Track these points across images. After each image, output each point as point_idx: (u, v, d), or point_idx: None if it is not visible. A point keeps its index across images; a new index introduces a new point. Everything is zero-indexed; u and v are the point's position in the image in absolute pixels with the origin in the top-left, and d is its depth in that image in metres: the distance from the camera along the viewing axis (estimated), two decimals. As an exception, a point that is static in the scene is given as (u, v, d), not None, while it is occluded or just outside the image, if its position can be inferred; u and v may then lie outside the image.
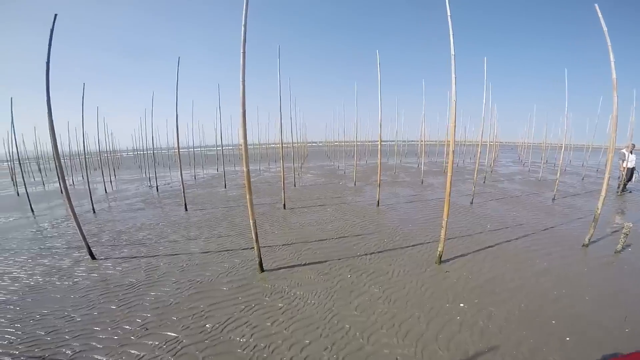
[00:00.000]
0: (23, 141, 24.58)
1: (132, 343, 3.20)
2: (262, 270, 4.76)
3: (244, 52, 4.06)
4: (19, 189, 14.38)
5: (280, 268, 4.88)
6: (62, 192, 13.22)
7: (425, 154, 12.97)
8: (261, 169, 19.46)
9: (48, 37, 4.66)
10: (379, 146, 8.62)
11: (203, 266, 5.04)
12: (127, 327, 3.47)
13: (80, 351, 3.10)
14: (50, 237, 6.97)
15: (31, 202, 10.16)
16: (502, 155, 31.17)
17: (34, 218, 8.91)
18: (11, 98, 10.61)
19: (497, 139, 22.18)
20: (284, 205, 8.79)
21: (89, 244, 5.54)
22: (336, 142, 28.93)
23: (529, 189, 11.50)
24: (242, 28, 4.04)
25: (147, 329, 3.42)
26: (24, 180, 11.17)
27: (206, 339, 3.24)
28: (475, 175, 9.46)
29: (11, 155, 15.91)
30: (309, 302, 3.90)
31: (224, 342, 3.19)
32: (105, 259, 5.48)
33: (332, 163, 23.60)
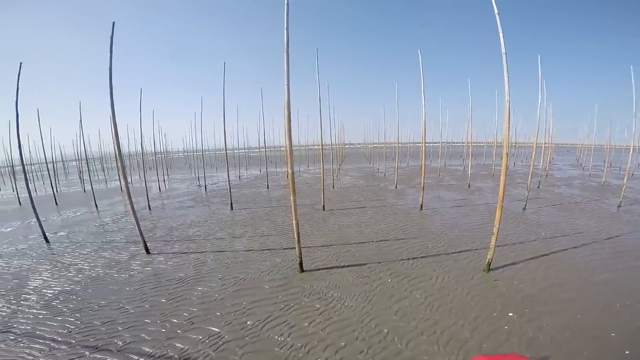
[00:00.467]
0: (89, 142, 27.25)
1: (178, 336, 3.38)
2: (302, 270, 4.82)
3: (287, 56, 4.15)
4: (85, 186, 15.97)
5: (319, 269, 4.91)
6: (121, 190, 14.46)
7: (472, 155, 12.32)
8: (300, 170, 19.77)
9: (109, 46, 5.09)
10: (422, 147, 8.37)
11: (246, 264, 5.21)
12: (174, 320, 3.67)
13: (130, 342, 3.30)
14: (111, 231, 7.65)
15: (96, 199, 11.23)
16: (557, 158, 28.70)
17: (98, 213, 9.84)
18: (79, 102, 11.80)
19: (553, 140, 20.47)
20: (324, 206, 8.84)
21: (145, 239, 5.97)
22: (375, 143, 28.55)
23: (590, 194, 10.47)
24: (285, 32, 4.13)
25: (192, 323, 3.60)
26: (90, 178, 12.39)
27: (246, 336, 3.33)
28: (530, 179, 8.80)
29: (79, 155, 17.71)
30: (346, 304, 3.88)
31: (262, 340, 3.26)
32: (158, 253, 5.88)
33: (371, 165, 23.30)
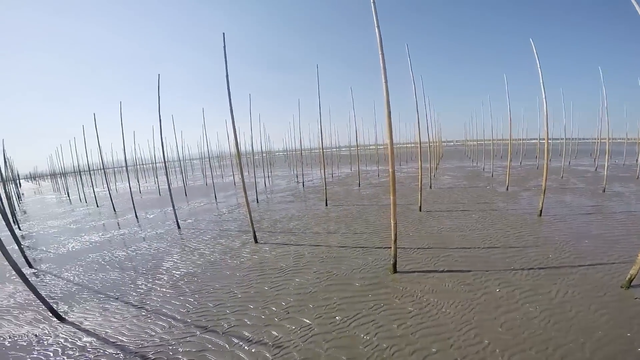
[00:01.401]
0: (209, 143, 31.86)
1: (274, 324, 3.59)
2: (395, 271, 4.68)
3: (382, 54, 4.07)
4: (207, 180, 18.73)
5: (414, 271, 4.69)
6: (234, 185, 16.50)
7: (609, 153, 10.02)
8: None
9: (223, 56, 5.82)
10: (546, 145, 7.21)
11: (339, 260, 5.31)
12: (273, 308, 3.94)
13: (234, 326, 3.64)
14: (227, 220, 8.78)
15: (215, 191, 13.06)
16: None
17: (216, 204, 11.42)
18: (202, 109, 13.81)
19: None
20: (420, 207, 8.41)
21: (255, 230, 6.64)
22: (480, 140, 25.79)
23: None
24: (376, 30, 4.05)
25: (288, 313, 3.80)
26: (211, 174, 14.48)
27: (334, 331, 3.36)
28: None
29: (202, 154, 20.83)
30: (443, 310, 3.61)
31: (348, 336, 3.25)
32: (264, 243, 6.48)
33: (475, 164, 21.16)
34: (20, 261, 6.17)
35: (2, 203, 7.74)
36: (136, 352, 3.24)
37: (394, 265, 4.68)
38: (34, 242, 8.48)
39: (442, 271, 4.65)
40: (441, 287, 4.18)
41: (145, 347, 3.33)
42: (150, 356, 3.16)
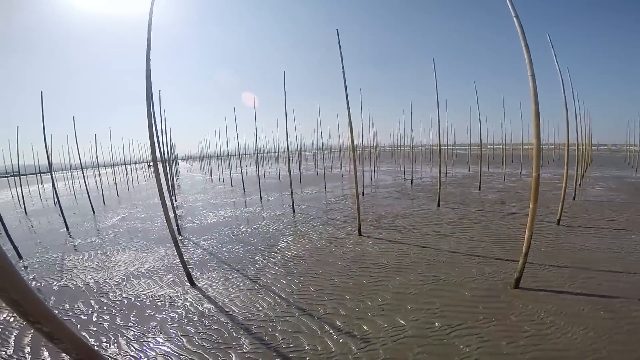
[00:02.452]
0: (321, 135, 33.59)
1: (367, 318, 3.56)
2: (516, 286, 4.07)
3: (526, 45, 3.57)
4: (318, 170, 19.90)
5: (540, 290, 4.00)
6: (342, 176, 17.09)
7: None
8: (522, 173, 16.56)
9: (339, 53, 5.97)
10: None
11: (450, 265, 4.92)
12: (369, 302, 3.90)
13: (329, 313, 3.74)
14: (334, 210, 9.16)
15: (325, 181, 13.77)
16: None
17: (325, 193, 12.04)
18: (318, 103, 14.58)
19: None
20: (559, 220, 7.02)
21: (360, 222, 6.74)
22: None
23: None
24: (515, 21, 3.48)
25: (383, 310, 3.71)
26: (324, 164, 15.30)
27: (430, 336, 3.16)
28: None
29: (314, 146, 22.12)
30: (568, 335, 3.03)
31: (445, 345, 3.02)
32: (367, 236, 6.52)
33: (643, 173, 16.41)
34: (173, 229, 7.77)
35: (167, 178, 9.88)
36: (242, 324, 3.62)
37: (518, 280, 4.08)
38: (184, 213, 10.57)
39: (579, 294, 3.84)
40: (573, 310, 3.49)
41: (250, 320, 3.70)
42: (253, 330, 3.49)
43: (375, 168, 21.16)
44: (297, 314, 3.75)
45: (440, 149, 9.34)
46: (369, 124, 21.04)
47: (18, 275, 0.69)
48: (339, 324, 3.50)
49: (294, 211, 9.24)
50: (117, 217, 10.65)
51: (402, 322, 3.47)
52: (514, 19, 3.71)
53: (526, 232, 3.95)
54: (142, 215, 10.73)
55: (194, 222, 9.07)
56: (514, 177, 15.02)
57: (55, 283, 5.17)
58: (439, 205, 9.02)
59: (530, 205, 3.86)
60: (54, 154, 10.80)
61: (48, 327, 0.73)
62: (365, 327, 3.40)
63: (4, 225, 6.69)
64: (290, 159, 10.35)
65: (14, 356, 3.27)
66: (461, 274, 4.58)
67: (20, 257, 6.61)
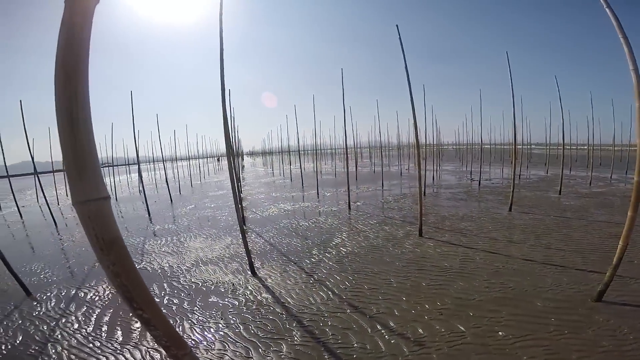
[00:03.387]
0: (380, 133, 32.99)
1: (423, 322, 3.39)
2: (598, 299, 3.58)
3: (624, 38, 3.06)
4: (375, 168, 19.58)
5: (626, 305, 3.50)
6: (401, 175, 16.59)
7: None
8: (612, 177, 14.27)
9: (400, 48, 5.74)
10: None
11: (521, 273, 4.48)
12: (426, 306, 3.72)
13: (381, 312, 3.64)
14: (392, 208, 8.93)
15: (383, 179, 13.50)
16: None
17: (382, 192, 11.79)
18: (377, 100, 14.27)
19: None
20: (662, 232, 5.94)
21: (422, 223, 6.46)
22: None
23: None
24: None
25: (441, 314, 3.52)
26: (381, 163, 15.00)
27: (490, 345, 2.94)
28: None
29: (370, 143, 21.77)
30: None
31: (506, 355, 2.80)
32: (429, 238, 6.22)
33: None
34: (241, 219, 8.29)
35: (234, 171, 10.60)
36: (295, 316, 3.70)
37: (601, 292, 3.59)
38: (247, 204, 11.22)
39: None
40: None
41: (303, 312, 3.76)
42: (305, 322, 3.54)
43: (438, 167, 20.13)
44: (348, 311, 3.73)
45: (515, 148, 8.52)
46: (432, 120, 20.06)
47: (132, 263, 0.76)
48: (391, 324, 3.42)
49: (349, 208, 9.22)
50: (191, 206, 11.72)
51: (462, 328, 3.28)
52: (606, 9, 3.25)
53: (620, 243, 3.44)
54: (212, 205, 11.66)
55: (257, 213, 9.57)
56: (602, 182, 13.04)
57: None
58: (510, 210, 8.24)
59: (629, 214, 3.34)
60: (140, 148, 12.26)
61: (148, 314, 0.78)
62: (420, 330, 3.28)
63: None
64: (347, 155, 10.32)
65: (92, 334, 3.66)
66: (534, 283, 4.16)
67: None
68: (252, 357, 3.03)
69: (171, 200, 13.18)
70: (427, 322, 3.41)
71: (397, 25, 6.17)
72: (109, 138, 16.02)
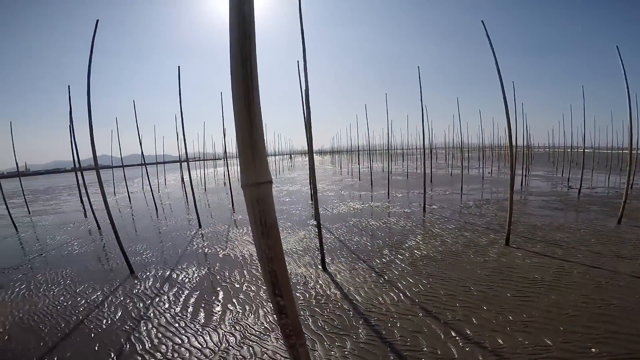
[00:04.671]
0: (460, 133, 30.82)
1: (504, 332, 3.13)
2: None
3: None
4: (452, 171, 18.37)
5: None
6: (481, 178, 15.27)
7: None
8: None
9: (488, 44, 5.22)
10: None
11: (628, 291, 3.85)
12: (510, 317, 3.41)
13: (457, 319, 3.40)
14: (473, 214, 8.27)
15: (462, 182, 12.63)
16: None
17: (460, 196, 11.01)
18: (457, 98, 13.31)
19: None
20: None
21: (510, 230, 5.88)
22: None
23: None
24: None
25: (526, 326, 3.21)
26: (461, 164, 14.00)
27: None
28: None
29: (447, 144, 20.42)
30: None
31: None
32: (517, 248, 5.63)
33: None
34: (319, 215, 8.54)
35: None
36: (362, 314, 3.66)
37: None
38: (318, 201, 11.50)
39: None
40: None
41: (371, 311, 3.71)
42: (372, 322, 3.48)
43: (527, 172, 18.05)
44: (420, 314, 3.60)
45: (631, 153, 7.18)
46: (523, 120, 17.98)
47: (282, 250, 0.78)
48: (467, 332, 3.21)
49: (424, 211, 8.81)
50: (266, 200, 12.51)
51: (549, 342, 2.97)
52: None
53: None
54: (287, 199, 12.29)
55: (327, 210, 9.77)
56: None
57: (221, 251, 6.39)
58: (620, 222, 6.98)
59: None
60: (227, 144, 13.54)
61: (285, 302, 0.79)
62: (500, 341, 3.03)
63: (195, 200, 8.91)
64: (420, 156, 9.88)
65: (179, 314, 4.02)
66: (640, 302, 3.55)
67: (200, 225, 8.54)
68: (316, 350, 3.10)
69: (250, 194, 14.24)
70: (508, 333, 3.16)
71: (482, 21, 5.73)
72: (201, 135, 17.96)
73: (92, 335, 3.58)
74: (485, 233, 6.58)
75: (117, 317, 3.97)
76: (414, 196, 11.45)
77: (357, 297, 4.10)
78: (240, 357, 3.06)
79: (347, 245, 6.27)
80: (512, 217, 5.83)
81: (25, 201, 14.32)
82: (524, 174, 16.10)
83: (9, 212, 10.23)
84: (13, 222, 10.05)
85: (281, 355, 3.04)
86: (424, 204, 8.94)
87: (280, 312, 0.80)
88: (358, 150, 22.19)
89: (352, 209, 9.79)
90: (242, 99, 0.66)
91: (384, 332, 3.29)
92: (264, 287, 4.56)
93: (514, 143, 6.58)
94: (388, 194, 12.07)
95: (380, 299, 4.01)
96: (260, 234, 0.74)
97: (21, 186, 14.95)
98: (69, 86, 8.24)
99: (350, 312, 3.73)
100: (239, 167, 0.78)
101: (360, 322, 3.52)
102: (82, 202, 12.86)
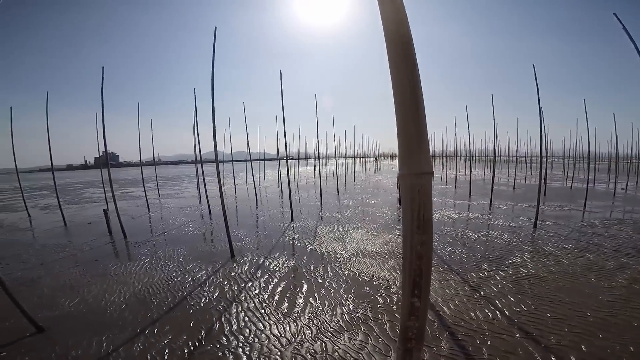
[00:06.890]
0: (589, 142, 25.82)
1: None
2: None
3: None
4: (571, 184, 15.55)
5: None
6: (613, 195, 12.54)
7: None
8: None
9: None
10: None
11: None
12: (630, 347, 2.93)
13: (563, 345, 3.04)
14: (598, 234, 6.84)
15: (586, 198, 10.62)
16: None
17: (582, 213, 9.23)
18: (583, 100, 11.16)
19: None
20: None
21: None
22: None
23: None
24: None
25: None
26: (586, 177, 11.75)
27: None
28: None
29: (566, 152, 17.26)
30: None
31: None
32: None
33: None
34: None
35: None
36: (448, 327, 3.40)
37: None
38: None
39: None
40: None
41: (459, 325, 3.43)
42: (458, 336, 3.22)
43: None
44: (517, 335, 3.23)
45: None
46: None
47: (432, 250, 0.76)
48: (572, 358, 2.82)
49: (535, 226, 7.64)
50: (353, 200, 12.67)
51: None
52: None
53: None
54: (372, 202, 12.20)
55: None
56: None
57: (309, 245, 6.69)
58: None
59: None
60: (310, 145, 14.12)
61: (421, 303, 0.76)
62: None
63: (290, 195, 9.68)
64: (528, 165, 8.59)
65: (266, 301, 4.24)
66: None
67: (292, 219, 9.11)
68: (389, 357, 2.98)
69: (337, 192, 14.62)
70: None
71: (615, 14, 4.73)
72: (296, 135, 19.20)
73: (191, 311, 4.01)
74: (614, 256, 5.41)
75: (214, 297, 4.41)
76: (520, 209, 10.06)
77: (445, 308, 3.85)
78: (313, 351, 3.12)
79: (438, 254, 5.87)
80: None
81: (157, 186, 17.52)
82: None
83: (145, 195, 12.73)
84: (147, 203, 12.41)
85: (351, 356, 3.01)
86: (536, 219, 7.74)
87: (410, 314, 0.76)
88: (456, 155, 20.55)
89: (445, 217, 9.13)
90: (407, 86, 0.68)
91: (470, 348, 3.05)
92: (345, 285, 4.59)
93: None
94: (490, 205, 10.87)
95: (472, 314, 3.70)
96: (415, 228, 0.71)
97: (155, 173, 18.38)
98: (194, 89, 9.82)
99: (435, 323, 3.52)
100: (397, 158, 0.77)
101: (445, 334, 3.30)
102: (198, 189, 15.09)
